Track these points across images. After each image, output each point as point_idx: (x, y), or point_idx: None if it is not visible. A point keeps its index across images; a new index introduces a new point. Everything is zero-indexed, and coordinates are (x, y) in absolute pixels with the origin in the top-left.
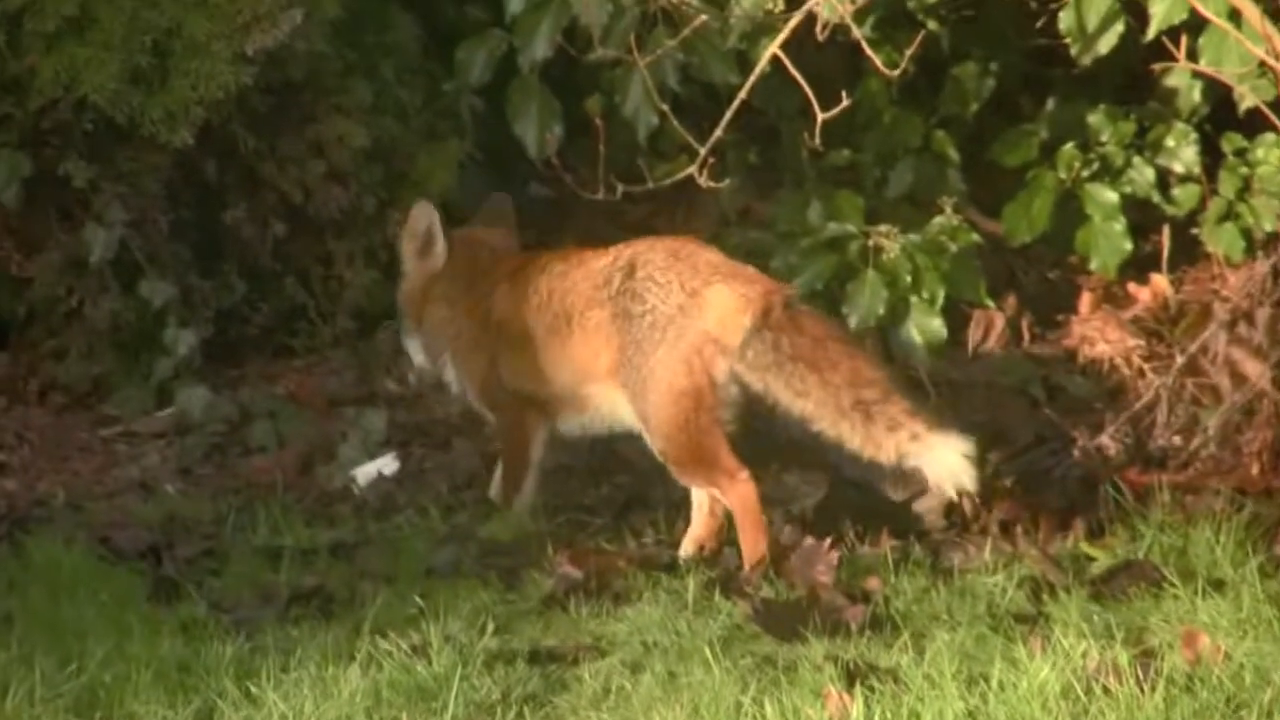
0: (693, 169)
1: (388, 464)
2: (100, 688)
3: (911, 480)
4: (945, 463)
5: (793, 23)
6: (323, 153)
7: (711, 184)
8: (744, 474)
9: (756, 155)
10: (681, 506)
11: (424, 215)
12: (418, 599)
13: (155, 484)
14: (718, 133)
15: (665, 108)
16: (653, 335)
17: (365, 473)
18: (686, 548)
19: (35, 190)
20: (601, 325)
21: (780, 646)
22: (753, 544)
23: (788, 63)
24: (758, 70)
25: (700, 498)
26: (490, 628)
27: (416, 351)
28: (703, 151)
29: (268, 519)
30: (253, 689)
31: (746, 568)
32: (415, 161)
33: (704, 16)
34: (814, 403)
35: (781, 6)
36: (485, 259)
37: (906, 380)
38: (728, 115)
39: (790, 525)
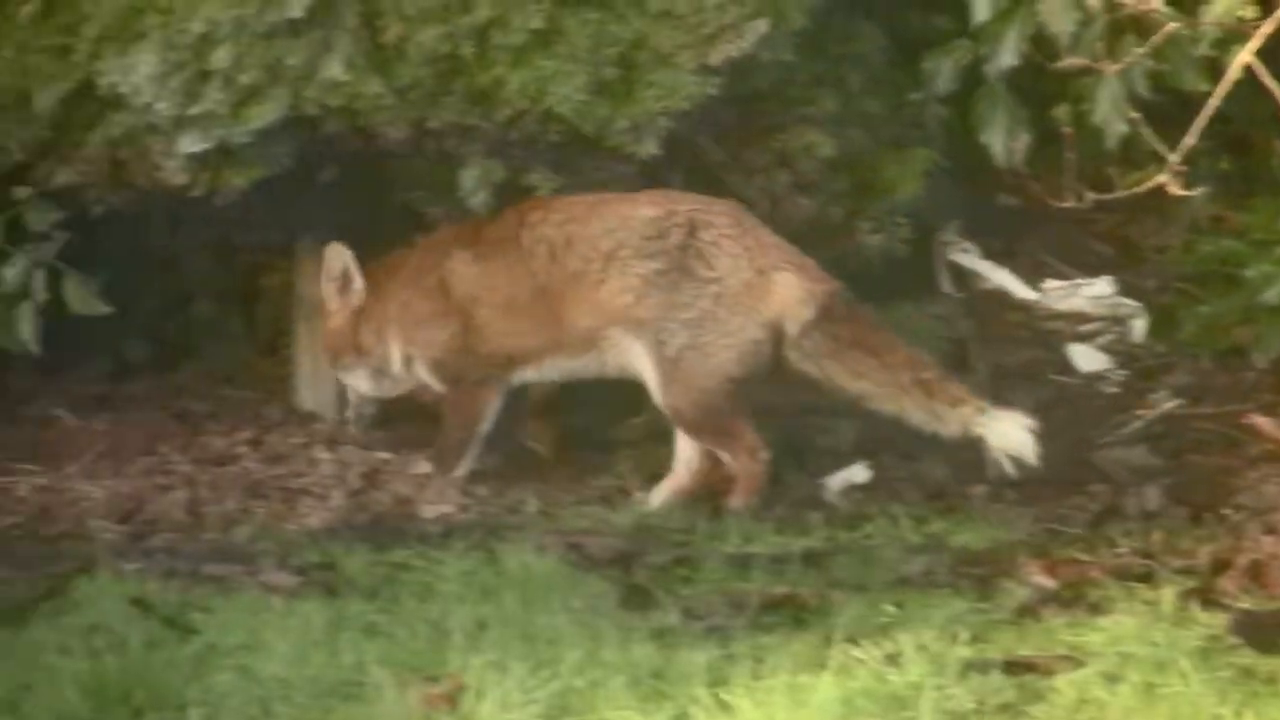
0: (1163, 177)
1: (859, 473)
2: (573, 694)
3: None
4: (1010, 435)
5: (1265, 29)
6: (788, 163)
7: (1183, 192)
8: (764, 453)
9: (1228, 163)
10: (1157, 516)
11: (338, 257)
12: (890, 607)
13: (626, 491)
14: (1189, 140)
15: (1135, 115)
16: (716, 310)
17: (836, 481)
18: (658, 495)
19: (501, 200)
20: (646, 275)
21: (1261, 659)
22: (742, 502)
23: (1261, 70)
24: (1229, 77)
25: (687, 452)
26: (963, 637)
27: (361, 379)
28: (1173, 159)
29: (738, 526)
30: (725, 696)
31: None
32: (881, 171)
33: (1174, 24)
34: (873, 382)
35: (1254, 12)
36: (408, 251)
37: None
38: (1199, 122)
39: (1272, 535)
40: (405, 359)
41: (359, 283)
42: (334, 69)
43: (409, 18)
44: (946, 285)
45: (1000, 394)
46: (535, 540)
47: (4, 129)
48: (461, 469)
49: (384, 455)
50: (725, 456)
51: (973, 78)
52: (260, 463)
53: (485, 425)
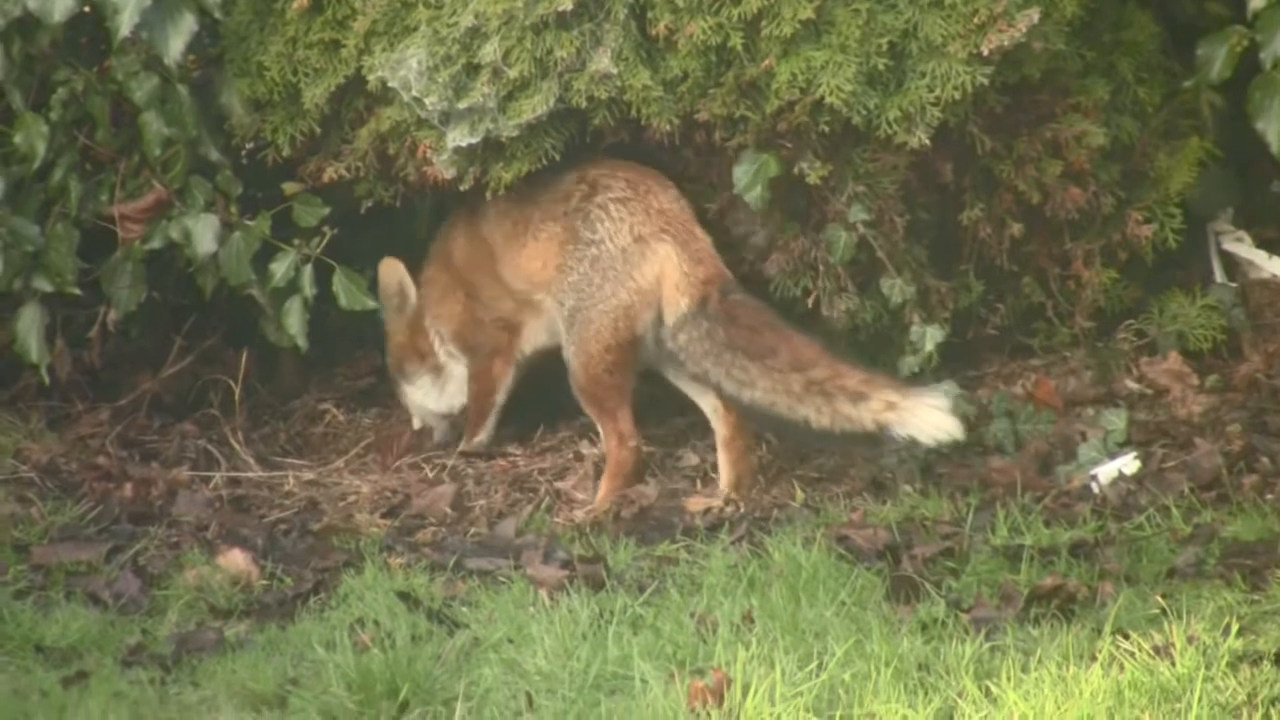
0: None
1: (1128, 464)
2: (840, 686)
3: None
4: (930, 421)
5: None
6: (1060, 152)
7: None
8: (633, 441)
9: None
10: None
11: (392, 272)
12: (1159, 599)
13: (893, 483)
14: None
15: None
16: (593, 275)
17: (1105, 472)
18: (722, 493)
19: (776, 193)
20: (553, 238)
21: None
22: (607, 493)
23: None
24: None
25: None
26: (1234, 628)
27: (427, 390)
28: None
29: (1007, 518)
30: (992, 688)
31: (594, 505)
32: (1154, 160)
33: None
34: (762, 391)
35: None
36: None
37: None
38: None
39: None
40: (439, 338)
41: (414, 294)
42: (603, 62)
43: (679, 9)
44: (1219, 275)
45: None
46: (802, 533)
47: (273, 125)
48: (482, 435)
49: (649, 449)
50: (600, 431)
51: (1248, 65)
52: (526, 456)
53: (500, 395)
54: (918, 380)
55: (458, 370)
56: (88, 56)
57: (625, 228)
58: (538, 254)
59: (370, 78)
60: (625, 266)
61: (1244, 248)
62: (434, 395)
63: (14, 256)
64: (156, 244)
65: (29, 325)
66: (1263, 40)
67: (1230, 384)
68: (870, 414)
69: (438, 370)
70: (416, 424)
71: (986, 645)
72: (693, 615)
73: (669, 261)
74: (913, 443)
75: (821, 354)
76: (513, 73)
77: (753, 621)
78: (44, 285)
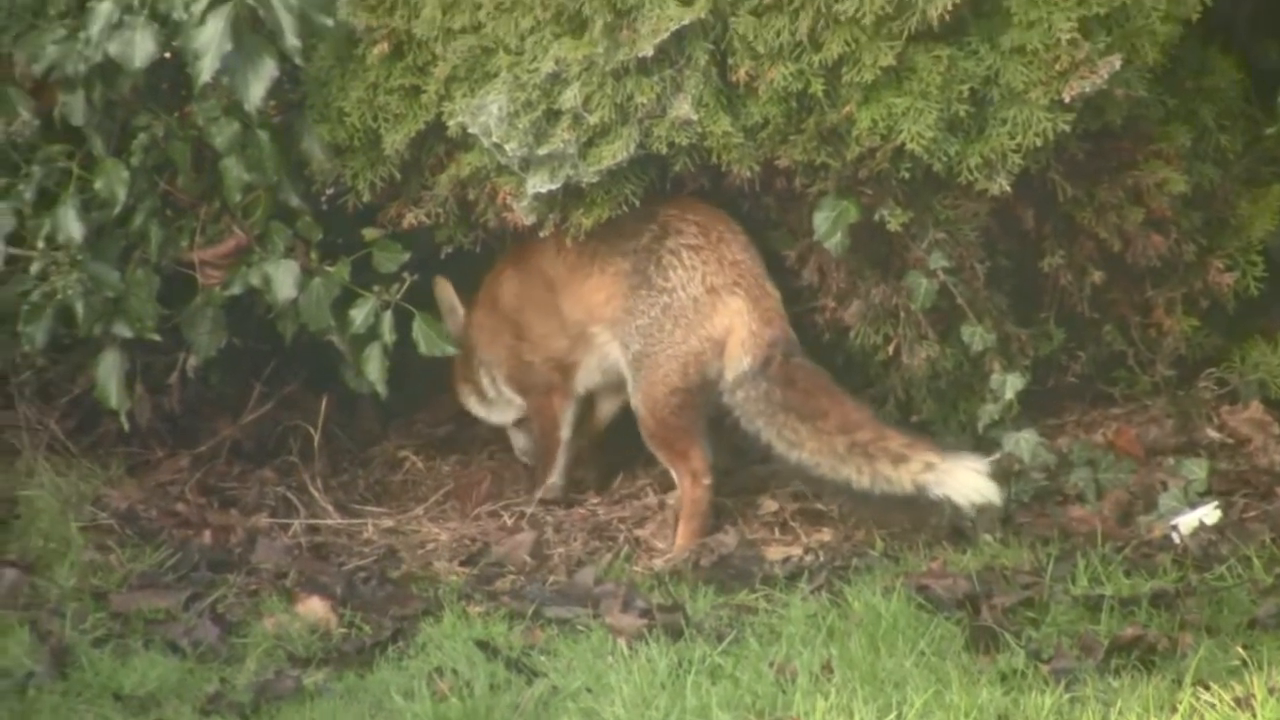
0: None
1: (1209, 513)
2: None
3: None
4: (968, 483)
5: None
6: (1141, 199)
7: None
8: (707, 480)
9: None
10: None
11: (444, 291)
12: (1240, 650)
13: (973, 532)
14: None
15: None
16: (664, 321)
17: (1186, 522)
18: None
19: (856, 240)
20: (620, 275)
21: None
22: (686, 537)
23: None
24: None
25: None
26: None
27: (476, 407)
28: None
29: (1087, 568)
30: None
31: (672, 552)
32: (1235, 207)
33: None
34: (809, 452)
35: None
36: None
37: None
38: None
39: None
40: (491, 380)
41: (460, 313)
42: (684, 108)
43: (759, 56)
44: None
45: None
46: (882, 581)
47: (354, 170)
48: (554, 477)
49: (727, 498)
50: (673, 474)
51: None
52: (605, 504)
53: (564, 431)
54: (997, 427)
55: (494, 395)
56: (169, 102)
57: (698, 276)
58: (602, 287)
59: (450, 123)
60: (697, 315)
61: None
62: (484, 411)
63: (95, 302)
64: (236, 289)
65: (109, 371)
66: None
67: None
68: (909, 474)
69: (482, 395)
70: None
71: (1066, 696)
72: (771, 664)
73: (739, 317)
74: (949, 504)
75: (869, 418)
76: (593, 119)
77: (832, 671)
78: (124, 331)
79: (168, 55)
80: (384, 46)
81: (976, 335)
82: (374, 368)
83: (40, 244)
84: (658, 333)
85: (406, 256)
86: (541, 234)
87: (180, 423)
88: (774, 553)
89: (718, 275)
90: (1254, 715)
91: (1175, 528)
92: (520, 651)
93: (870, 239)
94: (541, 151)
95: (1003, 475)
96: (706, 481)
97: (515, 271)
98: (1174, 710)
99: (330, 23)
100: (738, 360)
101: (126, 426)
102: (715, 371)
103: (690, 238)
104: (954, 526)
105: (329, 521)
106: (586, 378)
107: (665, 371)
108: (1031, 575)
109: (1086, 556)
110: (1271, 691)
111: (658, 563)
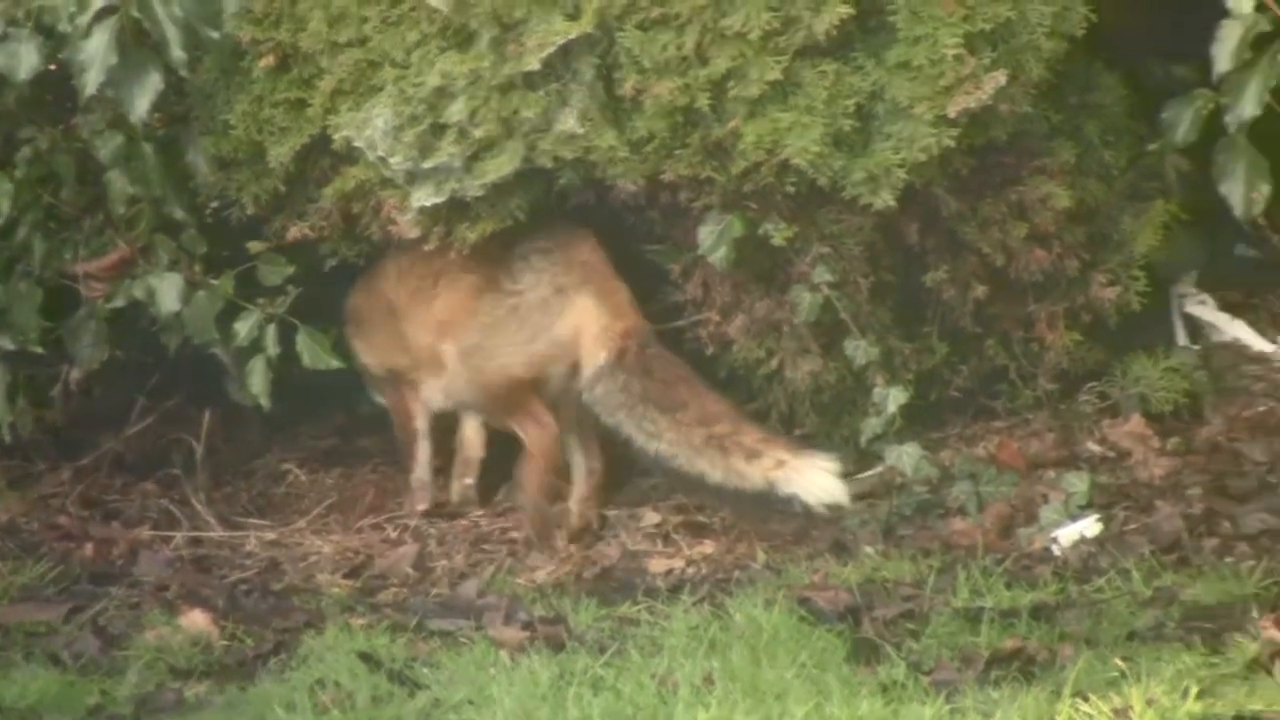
0: None
1: (1089, 526)
2: None
3: None
4: (816, 482)
5: None
6: (1025, 214)
7: None
8: (548, 419)
9: None
10: None
11: None
12: (1119, 662)
13: (855, 545)
14: None
15: None
16: (509, 322)
17: (1067, 535)
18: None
19: (741, 254)
20: (470, 286)
21: None
22: (536, 482)
23: None
24: None
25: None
26: (1193, 691)
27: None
28: None
29: (968, 580)
30: None
31: (524, 500)
32: (1119, 223)
33: None
34: (667, 443)
35: None
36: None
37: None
38: None
39: None
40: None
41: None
42: (569, 122)
43: (646, 70)
44: (1182, 338)
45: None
46: (764, 594)
47: (239, 183)
48: (417, 475)
49: (612, 511)
50: (517, 431)
51: (1213, 128)
52: (488, 516)
53: (419, 422)
54: (880, 441)
55: None
56: (53, 114)
57: (546, 278)
58: (451, 304)
59: (336, 137)
60: (545, 318)
61: (1207, 310)
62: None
63: None
64: (120, 302)
65: None
66: (1228, 104)
67: (1192, 447)
68: (761, 471)
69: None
70: None
71: (947, 708)
72: (653, 676)
73: (588, 314)
74: (797, 502)
75: (729, 411)
76: (479, 133)
77: (713, 683)
78: (6, 343)
79: (52, 67)
80: (270, 59)
81: (860, 349)
82: (258, 381)
83: None
84: (500, 330)
85: (291, 270)
86: (426, 248)
87: (62, 435)
88: (656, 565)
89: (565, 276)
90: None
91: (1056, 540)
92: (403, 664)
93: (755, 253)
94: (427, 165)
95: (884, 488)
96: (554, 431)
97: (366, 281)
98: None
99: (216, 35)
100: (593, 356)
101: (8, 439)
102: (562, 374)
103: (540, 240)
104: (836, 539)
105: (211, 534)
106: (433, 401)
107: (503, 363)
108: (913, 588)
109: (967, 569)
110: (1149, 703)
111: (540, 574)
